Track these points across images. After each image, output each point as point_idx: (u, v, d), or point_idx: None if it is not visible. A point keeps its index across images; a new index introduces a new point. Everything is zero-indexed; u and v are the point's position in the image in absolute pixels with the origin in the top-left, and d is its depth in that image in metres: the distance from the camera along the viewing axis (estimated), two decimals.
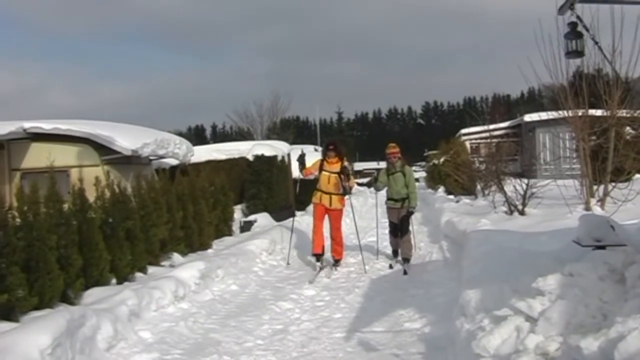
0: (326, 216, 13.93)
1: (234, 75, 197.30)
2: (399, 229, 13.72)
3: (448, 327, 7.73)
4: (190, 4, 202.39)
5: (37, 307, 8.80)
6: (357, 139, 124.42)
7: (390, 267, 13.52)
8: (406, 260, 13.36)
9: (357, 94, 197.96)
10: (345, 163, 14.05)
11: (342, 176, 13.69)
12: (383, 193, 14.63)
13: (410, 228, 13.95)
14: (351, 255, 14.63)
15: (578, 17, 8.25)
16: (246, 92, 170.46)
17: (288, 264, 13.98)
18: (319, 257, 13.53)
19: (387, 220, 14.60)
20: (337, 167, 13.76)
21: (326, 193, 13.73)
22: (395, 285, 11.19)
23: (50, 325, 6.88)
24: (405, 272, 12.65)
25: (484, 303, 6.85)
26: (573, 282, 5.65)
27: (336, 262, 13.76)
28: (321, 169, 13.82)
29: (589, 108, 16.70)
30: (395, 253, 14.23)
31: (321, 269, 13.18)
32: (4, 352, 6.17)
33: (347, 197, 14.37)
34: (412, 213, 13.89)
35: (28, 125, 17.20)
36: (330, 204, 13.71)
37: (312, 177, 14.18)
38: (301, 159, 13.95)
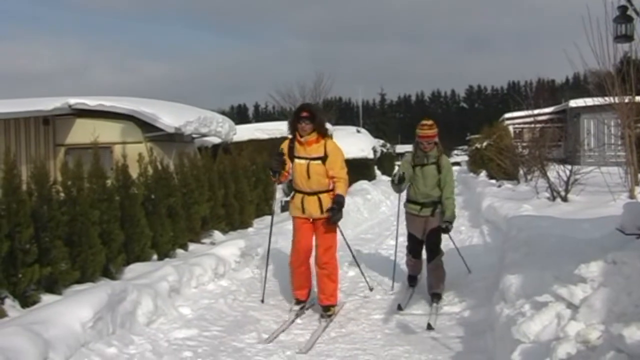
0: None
1: (277, 55, 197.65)
2: (426, 248, 9.56)
3: (488, 311, 7.70)
4: None
5: (79, 281, 8.94)
6: (400, 122, 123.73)
7: (399, 307, 8.79)
8: (436, 296, 9.16)
9: (400, 76, 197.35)
10: (339, 191, 8.40)
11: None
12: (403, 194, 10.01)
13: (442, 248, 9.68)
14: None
15: (628, 0, 8.15)
16: (289, 72, 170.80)
17: (262, 301, 9.27)
18: (299, 302, 8.85)
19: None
20: (319, 149, 8.47)
21: (310, 194, 8.57)
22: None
23: (92, 299, 6.96)
24: (430, 327, 7.93)
25: (525, 289, 6.80)
26: (616, 270, 5.58)
27: (326, 311, 8.60)
28: (291, 153, 8.63)
29: (636, 95, 16.48)
30: (412, 280, 10.01)
31: (297, 315, 8.62)
32: (47, 324, 6.25)
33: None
34: (447, 230, 9.18)
35: (73, 101, 17.39)
36: (322, 210, 8.51)
37: (287, 180, 9.17)
38: (278, 159, 8.61)
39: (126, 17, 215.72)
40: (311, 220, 8.67)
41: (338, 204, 8.31)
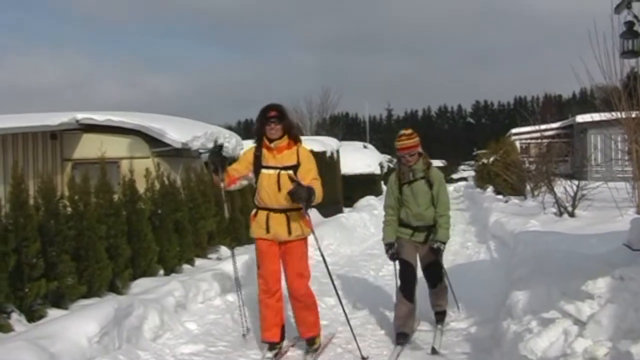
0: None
1: (283, 69, 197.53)
2: (426, 279, 8.19)
3: (494, 328, 7.67)
4: None
5: (86, 296, 8.97)
6: None
7: None
8: (440, 315, 8.40)
9: (407, 91, 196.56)
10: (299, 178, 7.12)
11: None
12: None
13: (445, 276, 8.47)
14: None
15: (635, 16, 8.16)
16: (296, 87, 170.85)
17: (245, 334, 8.05)
18: (273, 346, 7.43)
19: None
20: (291, 157, 7.24)
21: (278, 211, 7.20)
22: None
23: (99, 314, 6.97)
24: (434, 351, 7.44)
25: (532, 305, 6.78)
26: (623, 286, 5.57)
27: (311, 344, 7.57)
28: (257, 163, 7.30)
29: None
30: (401, 337, 7.76)
31: None
32: (53, 338, 6.26)
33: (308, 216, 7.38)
34: (438, 250, 7.81)
35: (81, 116, 17.43)
36: (290, 232, 7.25)
37: (236, 186, 7.66)
38: (217, 154, 7.65)
39: (133, 32, 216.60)
40: (277, 242, 7.33)
41: (302, 186, 6.97)
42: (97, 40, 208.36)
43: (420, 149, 7.86)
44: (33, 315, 8.03)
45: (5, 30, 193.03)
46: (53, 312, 8.19)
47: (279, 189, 7.10)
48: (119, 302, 7.51)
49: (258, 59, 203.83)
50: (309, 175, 7.19)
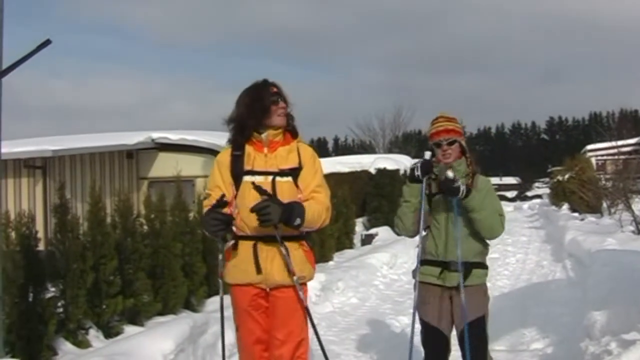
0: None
1: (356, 87, 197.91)
2: (462, 352, 5.09)
3: (571, 348, 7.51)
4: (311, 17, 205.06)
5: (161, 313, 9.06)
6: (479, 154, 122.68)
7: None
8: None
9: (480, 107, 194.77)
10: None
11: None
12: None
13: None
14: None
15: None
16: (368, 105, 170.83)
17: None
18: None
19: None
20: (290, 158, 4.73)
21: (270, 241, 4.59)
22: (517, 303, 10.98)
23: (174, 331, 7.03)
24: None
25: (611, 325, 6.65)
26: None
27: None
28: (237, 167, 4.79)
29: None
30: None
31: None
32: (129, 355, 6.33)
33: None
34: (452, 181, 4.77)
35: (156, 135, 17.77)
36: (289, 272, 4.60)
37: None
38: (220, 214, 4.70)
39: (204, 52, 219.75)
40: (268, 290, 4.75)
41: (275, 201, 4.47)
42: (173, 61, 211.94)
43: (463, 142, 5.15)
44: (110, 332, 8.16)
45: (84, 53, 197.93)
46: (129, 329, 8.31)
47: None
48: (194, 319, 7.57)
49: (330, 77, 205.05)
50: (313, 182, 4.74)
